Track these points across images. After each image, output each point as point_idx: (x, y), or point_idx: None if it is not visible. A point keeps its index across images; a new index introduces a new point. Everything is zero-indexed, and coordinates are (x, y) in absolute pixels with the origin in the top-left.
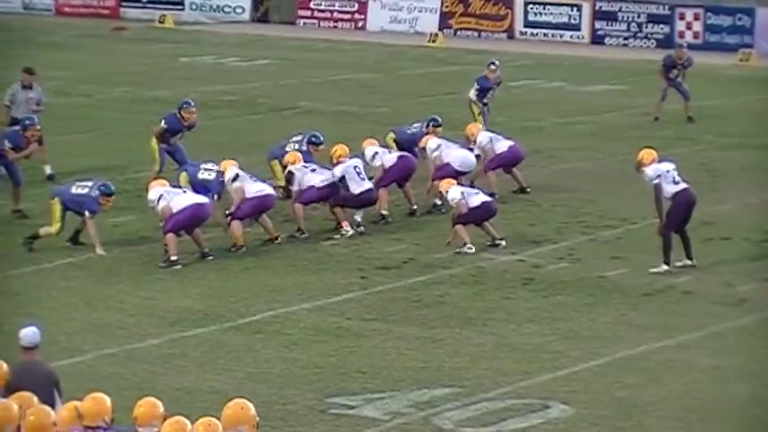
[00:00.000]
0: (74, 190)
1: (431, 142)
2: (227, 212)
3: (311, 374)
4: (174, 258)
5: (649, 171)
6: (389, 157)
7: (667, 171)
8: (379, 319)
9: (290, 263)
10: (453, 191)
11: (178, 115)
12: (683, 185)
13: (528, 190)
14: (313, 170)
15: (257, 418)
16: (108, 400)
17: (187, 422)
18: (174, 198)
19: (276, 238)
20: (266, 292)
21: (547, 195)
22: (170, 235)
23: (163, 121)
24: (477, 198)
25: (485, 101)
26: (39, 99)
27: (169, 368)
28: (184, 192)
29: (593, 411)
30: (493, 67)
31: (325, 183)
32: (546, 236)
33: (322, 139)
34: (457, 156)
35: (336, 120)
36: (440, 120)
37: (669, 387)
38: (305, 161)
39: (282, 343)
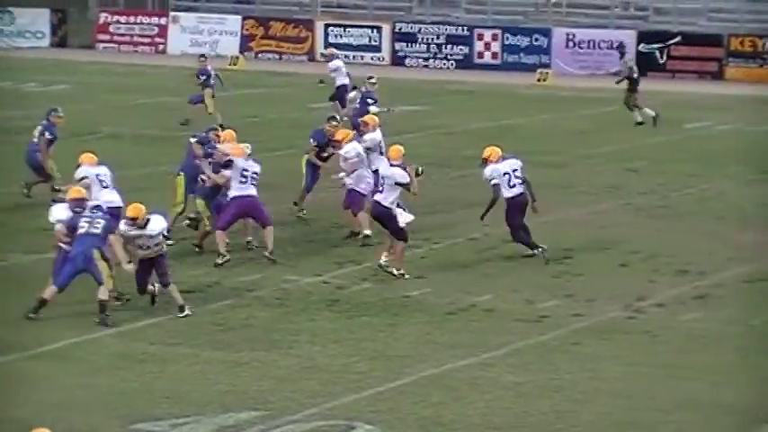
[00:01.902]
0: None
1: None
2: None
3: (116, 401)
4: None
5: (486, 171)
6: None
7: (505, 173)
8: (184, 344)
9: (91, 288)
10: None
11: (51, 121)
12: (518, 189)
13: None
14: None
15: None
16: None
17: None
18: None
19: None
20: (68, 318)
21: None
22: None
23: (47, 133)
24: None
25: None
26: None
27: None
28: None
29: (398, 431)
30: (373, 80)
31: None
32: (349, 257)
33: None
34: None
35: (139, 144)
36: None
37: (473, 404)
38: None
39: (85, 370)
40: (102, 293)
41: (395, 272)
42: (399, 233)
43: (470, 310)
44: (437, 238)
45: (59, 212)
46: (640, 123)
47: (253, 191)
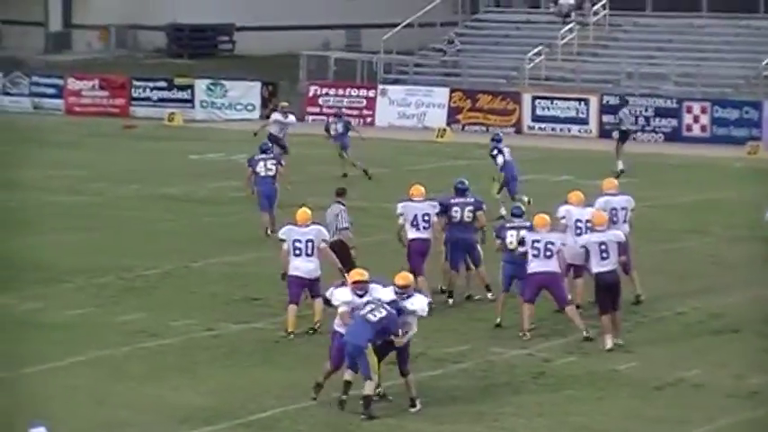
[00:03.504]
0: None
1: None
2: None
3: None
4: None
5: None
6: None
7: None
8: (391, 415)
9: (301, 358)
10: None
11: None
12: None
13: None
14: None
15: None
16: None
17: None
18: None
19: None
20: (277, 388)
21: None
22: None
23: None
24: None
25: None
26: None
27: None
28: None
29: None
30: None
31: None
32: (556, 329)
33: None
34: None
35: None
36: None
37: None
38: None
39: None
40: (368, 388)
41: (619, 342)
42: (619, 302)
43: (678, 384)
44: (644, 311)
45: (343, 295)
46: (622, 172)
47: (552, 265)
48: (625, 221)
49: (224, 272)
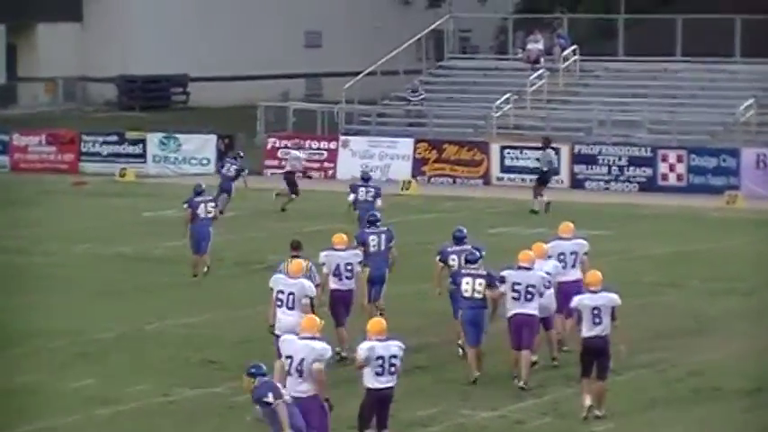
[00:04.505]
0: None
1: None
2: None
3: None
4: None
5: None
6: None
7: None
8: None
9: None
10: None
11: None
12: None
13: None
14: None
15: None
16: None
17: None
18: None
19: None
20: None
21: None
22: None
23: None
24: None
25: None
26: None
27: None
28: None
29: None
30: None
31: None
32: (529, 389)
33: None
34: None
35: None
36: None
37: None
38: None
39: None
40: None
41: (599, 414)
42: (607, 372)
43: None
44: (620, 369)
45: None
46: (535, 212)
47: (531, 308)
48: (574, 266)
49: (180, 334)
